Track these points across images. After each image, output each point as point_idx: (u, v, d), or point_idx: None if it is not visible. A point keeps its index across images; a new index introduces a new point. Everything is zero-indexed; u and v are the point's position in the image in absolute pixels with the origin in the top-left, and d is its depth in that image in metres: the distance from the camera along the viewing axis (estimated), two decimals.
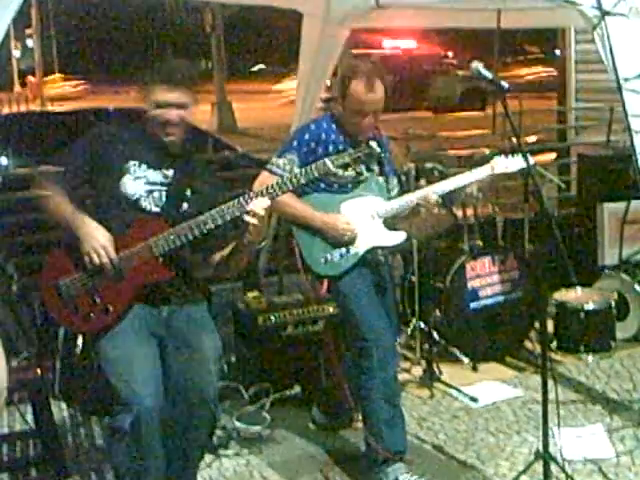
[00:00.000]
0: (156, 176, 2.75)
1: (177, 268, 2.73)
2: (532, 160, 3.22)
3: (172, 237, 2.64)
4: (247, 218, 2.61)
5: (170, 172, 2.77)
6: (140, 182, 2.72)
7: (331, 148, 3.21)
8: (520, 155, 3.26)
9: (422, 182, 3.89)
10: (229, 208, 2.63)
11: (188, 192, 2.77)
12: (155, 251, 2.64)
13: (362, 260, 3.20)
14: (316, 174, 2.75)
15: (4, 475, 3.35)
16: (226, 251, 2.79)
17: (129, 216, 2.69)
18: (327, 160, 2.76)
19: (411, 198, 3.24)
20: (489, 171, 3.36)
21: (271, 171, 3.23)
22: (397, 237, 3.26)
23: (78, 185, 2.75)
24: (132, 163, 2.73)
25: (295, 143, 3.23)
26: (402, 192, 3.35)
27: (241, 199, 2.63)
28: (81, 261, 2.65)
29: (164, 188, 2.75)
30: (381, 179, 3.31)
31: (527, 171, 3.21)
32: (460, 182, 3.34)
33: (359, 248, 3.19)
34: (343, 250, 3.19)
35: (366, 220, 3.21)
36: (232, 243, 2.75)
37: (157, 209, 2.73)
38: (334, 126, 3.25)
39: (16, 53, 29.19)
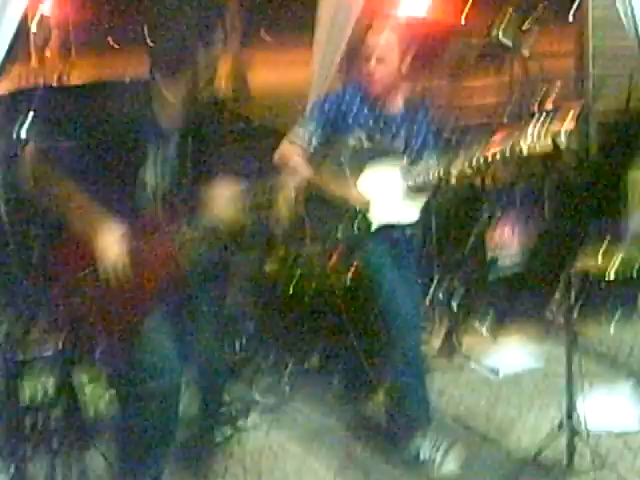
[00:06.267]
0: (172, 155, 2.64)
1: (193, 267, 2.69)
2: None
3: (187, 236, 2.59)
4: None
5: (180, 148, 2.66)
6: (157, 168, 2.62)
7: (351, 119, 3.18)
8: (543, 133, 3.17)
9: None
10: None
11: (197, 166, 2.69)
12: (173, 250, 2.59)
13: (377, 234, 3.17)
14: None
15: (26, 445, 3.36)
16: None
17: (145, 206, 2.61)
18: None
19: (435, 174, 3.16)
20: (513, 151, 3.26)
21: (291, 141, 3.24)
22: (412, 215, 3.22)
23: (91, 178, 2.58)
24: (149, 149, 2.60)
25: (316, 113, 3.22)
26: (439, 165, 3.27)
27: None
28: (93, 260, 2.55)
29: (177, 167, 2.66)
30: (407, 154, 3.25)
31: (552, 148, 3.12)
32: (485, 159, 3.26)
33: (372, 223, 3.15)
34: (356, 225, 3.15)
35: (382, 195, 3.16)
36: None
37: (170, 194, 2.65)
38: (358, 97, 3.22)
39: (32, 28, 29.01)
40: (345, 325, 3.35)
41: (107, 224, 2.52)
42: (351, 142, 3.22)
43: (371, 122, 3.23)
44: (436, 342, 4.13)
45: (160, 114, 2.62)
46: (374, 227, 3.16)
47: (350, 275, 3.85)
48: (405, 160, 3.24)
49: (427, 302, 4.37)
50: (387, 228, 3.20)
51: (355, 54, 3.24)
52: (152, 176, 2.61)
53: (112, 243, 2.52)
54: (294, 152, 3.22)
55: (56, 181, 2.55)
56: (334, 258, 3.28)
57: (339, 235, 3.15)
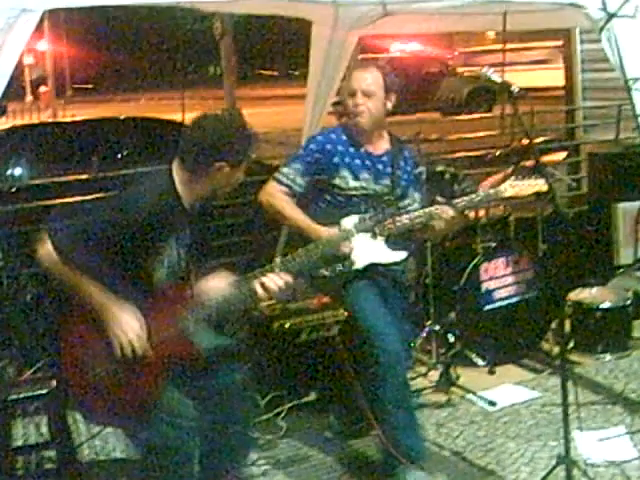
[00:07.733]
0: (184, 249, 2.66)
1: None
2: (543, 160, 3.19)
3: (199, 316, 2.60)
4: (259, 291, 2.62)
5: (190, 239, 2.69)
6: (170, 261, 2.63)
7: (337, 159, 3.21)
8: (535, 174, 3.24)
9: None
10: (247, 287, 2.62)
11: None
12: (184, 331, 2.58)
13: (363, 273, 3.19)
14: (338, 250, 2.79)
15: None
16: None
17: (152, 290, 2.60)
18: (352, 228, 2.79)
19: (420, 216, 3.19)
20: (502, 194, 3.32)
21: (277, 180, 3.28)
22: (396, 255, 3.23)
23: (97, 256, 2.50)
24: (168, 243, 2.61)
25: (301, 152, 3.27)
26: (427, 203, 3.31)
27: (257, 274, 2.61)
28: (105, 338, 2.53)
29: (185, 260, 2.69)
30: (392, 194, 3.28)
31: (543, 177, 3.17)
32: (474, 201, 3.31)
33: (356, 265, 3.17)
34: (340, 266, 3.17)
35: (366, 236, 3.16)
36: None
37: (179, 276, 2.67)
38: (344, 137, 3.26)
39: (28, 60, 29.04)
40: (339, 361, 3.35)
41: (119, 301, 2.52)
42: (337, 181, 3.24)
43: (357, 161, 3.26)
44: (434, 375, 4.12)
45: (182, 198, 2.64)
46: (360, 266, 3.17)
47: (339, 312, 3.88)
48: (392, 198, 3.26)
49: (424, 335, 4.39)
50: (374, 266, 3.21)
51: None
52: (170, 255, 2.63)
53: (129, 313, 2.53)
54: (279, 191, 3.25)
55: (70, 266, 2.52)
56: (323, 296, 3.30)
57: (325, 273, 3.16)
